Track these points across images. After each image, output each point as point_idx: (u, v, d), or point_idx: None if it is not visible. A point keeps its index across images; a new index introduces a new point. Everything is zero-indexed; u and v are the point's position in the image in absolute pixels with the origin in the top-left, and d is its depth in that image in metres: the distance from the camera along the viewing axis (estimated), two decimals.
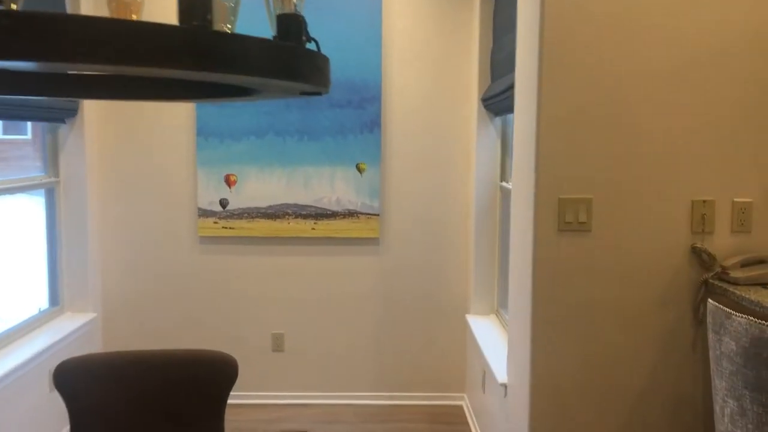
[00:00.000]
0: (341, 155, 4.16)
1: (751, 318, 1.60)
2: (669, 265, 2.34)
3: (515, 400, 2.63)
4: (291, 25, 1.12)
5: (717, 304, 1.74)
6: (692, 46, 2.28)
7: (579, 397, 2.38)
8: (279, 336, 4.30)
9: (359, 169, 4.16)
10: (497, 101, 3.47)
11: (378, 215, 4.19)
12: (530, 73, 2.39)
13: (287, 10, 1.14)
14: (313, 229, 4.20)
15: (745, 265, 2.23)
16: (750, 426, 1.61)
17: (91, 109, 4.01)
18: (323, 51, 1.24)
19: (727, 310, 1.68)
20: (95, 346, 4.11)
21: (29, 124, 5.52)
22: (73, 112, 3.85)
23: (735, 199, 2.34)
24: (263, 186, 4.18)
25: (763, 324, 1.57)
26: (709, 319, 1.80)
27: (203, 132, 4.14)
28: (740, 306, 1.69)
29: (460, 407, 4.28)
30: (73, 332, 3.74)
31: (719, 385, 1.74)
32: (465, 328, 4.26)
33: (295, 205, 4.19)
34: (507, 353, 2.87)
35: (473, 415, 3.99)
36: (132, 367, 2.35)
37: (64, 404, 2.21)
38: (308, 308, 4.29)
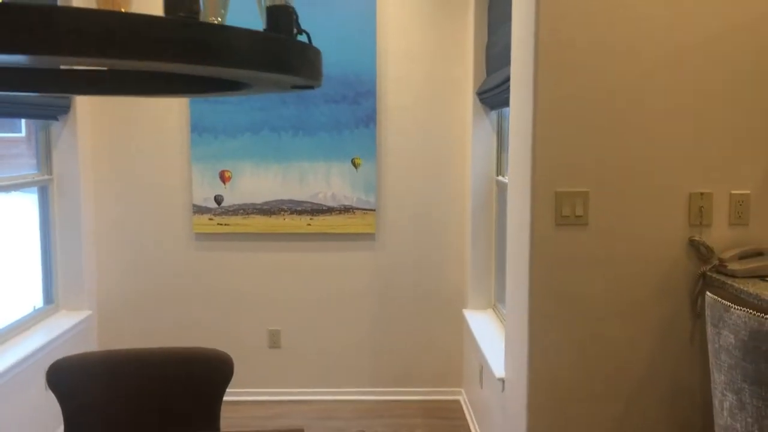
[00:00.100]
0: (336, 150, 4.14)
1: (750, 311, 1.59)
2: (666, 258, 2.33)
3: (513, 394, 2.62)
4: (281, 17, 1.10)
5: (715, 297, 1.73)
6: (689, 37, 2.27)
7: (577, 391, 2.37)
8: (275, 332, 4.28)
9: (355, 165, 4.14)
10: (493, 95, 3.45)
11: (374, 210, 4.17)
12: (526, 67, 2.37)
13: (277, 2, 1.12)
14: (309, 225, 4.19)
15: (743, 257, 2.22)
16: (749, 420, 1.60)
17: (83, 105, 3.98)
18: (317, 45, 1.22)
19: (726, 303, 1.67)
20: (91, 344, 4.09)
21: (23, 121, 5.48)
22: (65, 109, 3.82)
23: (732, 192, 2.32)
24: (258, 182, 4.16)
25: (762, 317, 1.55)
26: (707, 313, 1.79)
27: (197, 128, 4.12)
28: (739, 299, 1.68)
29: (458, 402, 4.27)
30: (68, 330, 3.72)
31: (718, 379, 1.72)
32: (462, 322, 4.25)
33: (291, 201, 4.17)
34: (504, 347, 2.86)
35: (471, 410, 3.98)
36: (127, 366, 2.33)
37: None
38: (304, 304, 4.27)
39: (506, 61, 2.91)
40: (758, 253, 2.23)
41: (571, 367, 2.36)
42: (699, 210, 2.32)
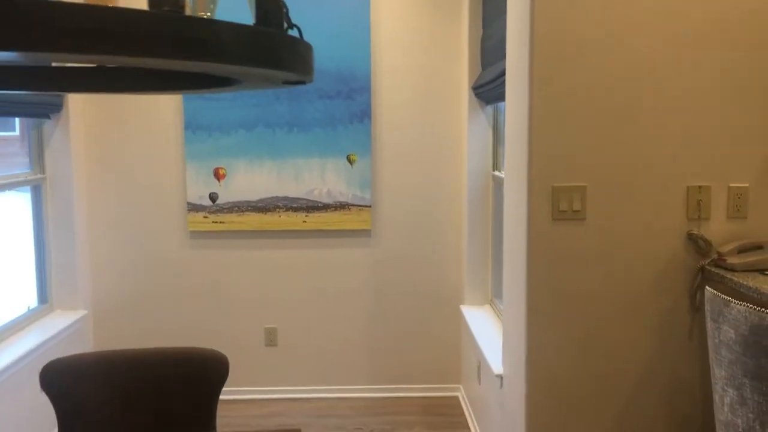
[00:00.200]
0: (331, 147, 4.11)
1: (750, 305, 1.57)
2: (665, 252, 2.31)
3: (511, 390, 2.60)
4: (271, 11, 1.07)
5: (715, 291, 1.71)
6: (687, 30, 2.24)
7: (575, 387, 2.35)
8: (272, 330, 4.26)
9: (350, 161, 4.11)
10: (488, 89, 3.43)
11: (369, 207, 4.15)
12: (521, 60, 2.35)
13: None
14: (305, 221, 4.16)
15: (741, 251, 2.20)
16: (750, 415, 1.58)
17: (76, 104, 3.94)
18: (310, 40, 1.19)
19: (726, 297, 1.65)
20: (86, 344, 4.06)
21: (17, 120, 5.44)
22: (57, 107, 3.79)
23: (731, 185, 2.31)
24: (253, 179, 4.13)
25: (763, 311, 1.54)
26: (707, 307, 1.77)
27: (191, 125, 4.08)
28: (738, 293, 1.66)
29: (456, 398, 4.25)
30: (63, 330, 3.69)
31: (718, 374, 1.71)
32: (459, 318, 4.23)
33: (286, 198, 4.15)
34: (502, 344, 2.84)
35: (469, 407, 3.97)
36: (122, 366, 2.31)
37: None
38: (301, 302, 4.25)
39: (501, 55, 2.89)
40: (757, 247, 2.22)
41: (569, 362, 2.34)
42: (697, 203, 2.30)
